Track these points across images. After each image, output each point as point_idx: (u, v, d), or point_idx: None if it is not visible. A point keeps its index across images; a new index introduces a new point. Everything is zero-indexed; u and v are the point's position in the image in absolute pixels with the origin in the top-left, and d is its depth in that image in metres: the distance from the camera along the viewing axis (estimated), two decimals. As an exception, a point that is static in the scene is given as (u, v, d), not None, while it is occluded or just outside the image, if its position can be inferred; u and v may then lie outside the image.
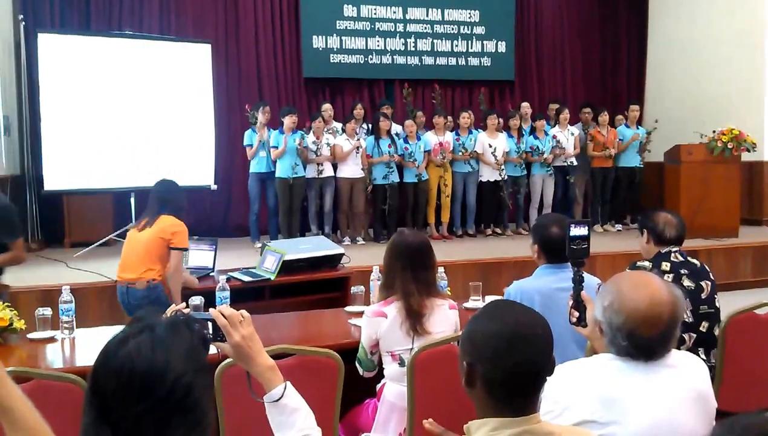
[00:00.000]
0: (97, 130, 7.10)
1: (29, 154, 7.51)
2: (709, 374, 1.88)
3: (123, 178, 7.23)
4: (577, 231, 2.25)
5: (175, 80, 7.54)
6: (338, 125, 8.02)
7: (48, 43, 6.94)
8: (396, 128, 8.20)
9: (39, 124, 7.00)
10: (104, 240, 7.16)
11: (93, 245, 7.03)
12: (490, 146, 8.19)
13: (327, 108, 8.07)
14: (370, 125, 8.16)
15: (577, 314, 2.21)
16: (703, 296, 3.06)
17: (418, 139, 7.99)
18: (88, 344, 3.21)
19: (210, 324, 1.57)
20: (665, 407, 1.74)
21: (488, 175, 8.31)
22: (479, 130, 8.44)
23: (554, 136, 8.50)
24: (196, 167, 7.69)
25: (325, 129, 7.81)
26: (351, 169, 7.80)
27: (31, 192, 7.46)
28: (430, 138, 8.13)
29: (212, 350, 1.48)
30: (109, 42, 7.37)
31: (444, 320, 2.86)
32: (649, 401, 1.73)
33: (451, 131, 8.32)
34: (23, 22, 7.47)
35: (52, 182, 6.95)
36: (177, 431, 1.13)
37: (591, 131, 8.75)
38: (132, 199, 7.22)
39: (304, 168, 7.62)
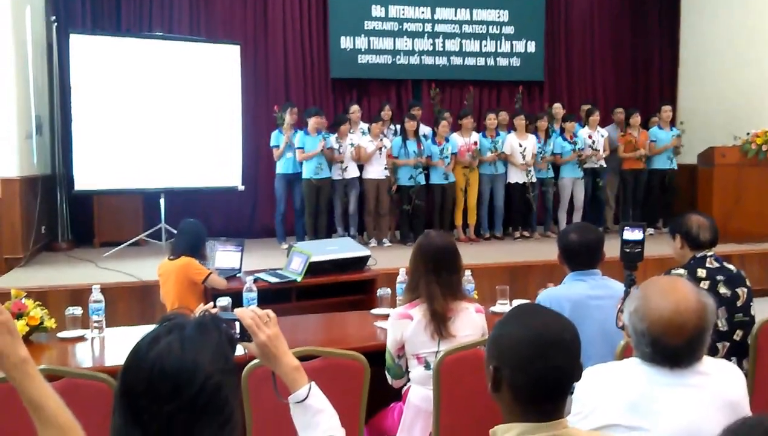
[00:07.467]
0: (127, 130, 7.17)
1: (60, 154, 7.61)
2: (745, 383, 1.84)
3: (152, 178, 7.31)
4: (631, 235, 2.20)
5: (204, 81, 7.59)
6: (365, 126, 7.98)
7: (79, 44, 7.02)
8: (424, 129, 8.13)
9: (70, 124, 7.08)
10: (134, 240, 7.23)
11: (122, 245, 7.11)
12: (521, 146, 8.11)
13: (355, 109, 8.03)
14: (398, 126, 8.12)
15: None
16: (739, 303, 2.98)
17: (447, 141, 7.94)
18: (118, 344, 3.25)
19: (237, 324, 1.58)
20: (694, 415, 1.70)
21: (516, 177, 8.24)
22: (510, 131, 8.35)
23: (590, 136, 8.39)
24: (224, 168, 7.74)
25: (351, 130, 7.78)
26: (376, 170, 7.77)
27: (61, 192, 7.57)
28: (457, 140, 8.08)
29: (240, 350, 1.48)
30: (139, 43, 7.44)
31: (470, 323, 2.83)
32: (677, 408, 1.70)
33: (477, 132, 8.27)
34: (55, 23, 7.58)
35: (82, 182, 7.04)
36: (207, 429, 1.14)
37: (621, 134, 8.63)
38: (161, 200, 7.29)
39: (330, 169, 7.64)
